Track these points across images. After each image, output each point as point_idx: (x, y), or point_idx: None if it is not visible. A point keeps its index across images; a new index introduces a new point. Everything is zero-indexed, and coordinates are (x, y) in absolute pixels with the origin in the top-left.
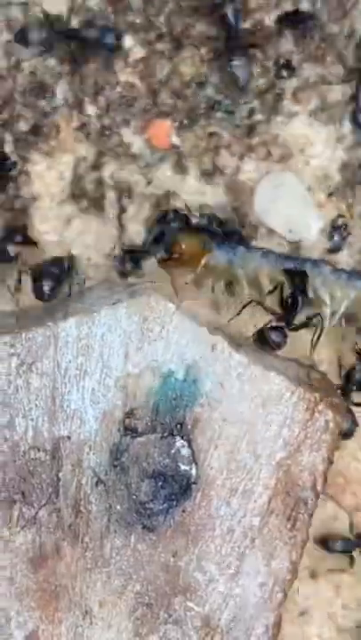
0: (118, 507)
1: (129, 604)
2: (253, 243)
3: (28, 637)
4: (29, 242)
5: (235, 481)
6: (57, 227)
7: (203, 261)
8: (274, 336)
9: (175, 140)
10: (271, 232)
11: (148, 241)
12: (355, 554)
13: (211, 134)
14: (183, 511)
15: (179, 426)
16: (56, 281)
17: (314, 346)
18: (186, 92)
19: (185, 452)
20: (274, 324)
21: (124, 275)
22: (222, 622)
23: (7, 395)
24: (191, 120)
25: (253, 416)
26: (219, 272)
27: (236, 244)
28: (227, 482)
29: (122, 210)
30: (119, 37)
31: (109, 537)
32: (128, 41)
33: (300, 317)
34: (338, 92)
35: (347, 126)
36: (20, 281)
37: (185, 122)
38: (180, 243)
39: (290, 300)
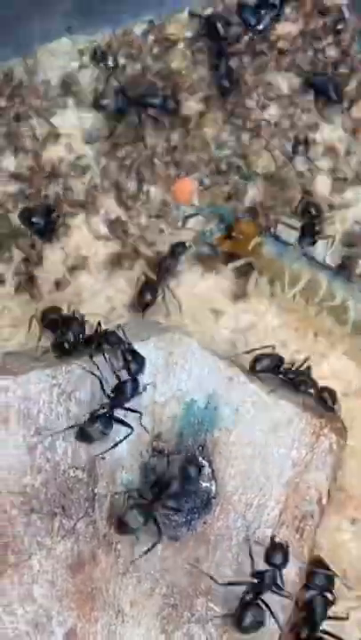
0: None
1: (156, 605)
2: None
3: (67, 634)
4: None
5: (249, 496)
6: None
7: (253, 242)
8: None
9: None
10: None
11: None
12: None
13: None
14: (204, 523)
15: (200, 448)
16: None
17: None
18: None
19: (206, 470)
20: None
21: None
22: None
23: (49, 420)
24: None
25: (266, 439)
26: (265, 264)
27: None
28: (242, 497)
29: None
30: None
31: (139, 546)
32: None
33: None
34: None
35: None
36: None
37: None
38: (240, 223)
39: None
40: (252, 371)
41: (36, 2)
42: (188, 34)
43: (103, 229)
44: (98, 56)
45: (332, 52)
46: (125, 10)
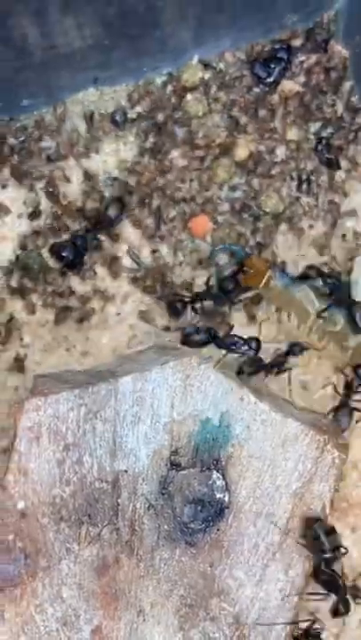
0: (166, 526)
1: (174, 605)
2: None
3: (93, 631)
4: None
5: (259, 506)
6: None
7: (265, 277)
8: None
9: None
10: None
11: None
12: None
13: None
14: (218, 530)
15: (215, 462)
16: None
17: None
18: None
19: (220, 482)
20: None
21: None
22: (249, 620)
23: (77, 437)
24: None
25: (274, 453)
26: (273, 295)
27: None
28: (253, 507)
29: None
30: None
31: (159, 550)
32: (175, 153)
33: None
34: None
35: None
36: None
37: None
38: (251, 258)
39: None
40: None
41: (66, 56)
42: (203, 81)
43: (126, 261)
44: (118, 120)
45: (335, 104)
46: (145, 64)
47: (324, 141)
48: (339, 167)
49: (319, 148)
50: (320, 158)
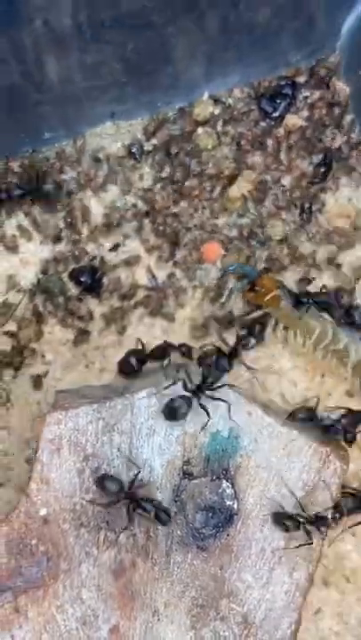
0: (179, 532)
1: (187, 605)
2: None
3: (111, 630)
4: None
5: (266, 513)
6: None
7: (272, 294)
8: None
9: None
10: None
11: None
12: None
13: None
14: (227, 535)
15: (224, 471)
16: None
17: None
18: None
19: (229, 491)
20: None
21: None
22: (257, 619)
23: (95, 448)
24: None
25: (280, 464)
26: (281, 314)
27: None
28: (260, 514)
29: None
30: None
31: (172, 554)
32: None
33: None
34: None
35: None
36: None
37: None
38: (262, 278)
39: None
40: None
41: (84, 91)
42: (213, 116)
43: (143, 280)
44: (135, 153)
45: (336, 138)
46: (158, 99)
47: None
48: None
49: (305, 216)
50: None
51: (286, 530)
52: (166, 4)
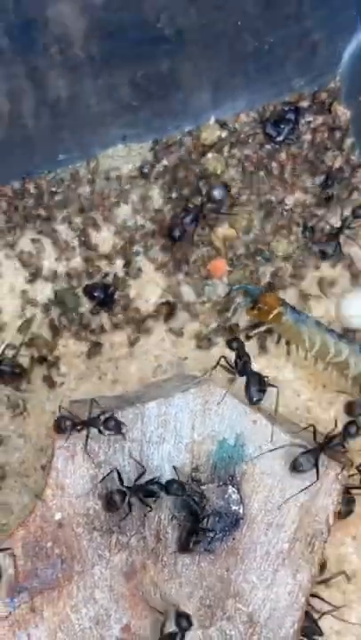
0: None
1: (195, 605)
2: None
3: (123, 629)
4: None
5: (270, 517)
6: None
7: (275, 311)
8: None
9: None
10: None
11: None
12: None
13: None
14: (233, 539)
15: (230, 478)
16: None
17: None
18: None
19: (235, 496)
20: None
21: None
22: (261, 619)
23: (108, 455)
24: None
25: (284, 471)
26: (284, 329)
27: None
28: (265, 518)
29: None
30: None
31: (181, 557)
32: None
33: None
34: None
35: None
36: None
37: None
38: (265, 296)
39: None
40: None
41: (99, 115)
42: (220, 139)
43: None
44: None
45: (337, 160)
46: (168, 123)
47: (309, 229)
48: (328, 256)
49: (307, 234)
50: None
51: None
52: (176, 33)
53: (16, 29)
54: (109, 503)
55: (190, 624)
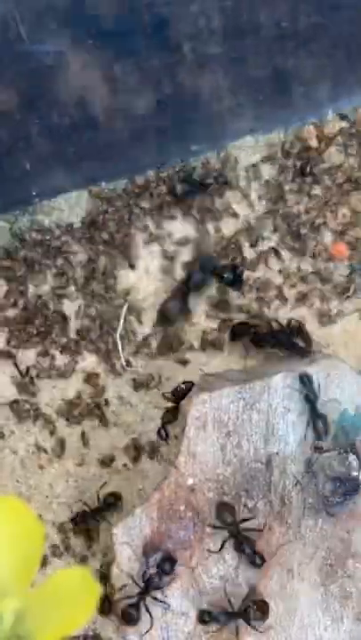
0: (310, 500)
1: (317, 565)
2: None
3: (250, 586)
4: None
5: None
6: None
7: None
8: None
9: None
10: None
11: None
12: None
13: None
14: (354, 503)
15: (351, 446)
16: None
17: None
18: None
19: (355, 463)
20: None
21: None
22: None
23: (237, 425)
24: None
25: None
26: None
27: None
28: None
29: None
30: None
31: (304, 520)
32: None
33: None
34: None
35: None
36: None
37: None
38: None
39: None
40: None
41: (228, 108)
42: (341, 130)
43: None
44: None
45: None
46: (293, 115)
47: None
48: None
49: None
50: None
51: None
52: (298, 33)
53: (150, 27)
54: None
55: (172, 568)
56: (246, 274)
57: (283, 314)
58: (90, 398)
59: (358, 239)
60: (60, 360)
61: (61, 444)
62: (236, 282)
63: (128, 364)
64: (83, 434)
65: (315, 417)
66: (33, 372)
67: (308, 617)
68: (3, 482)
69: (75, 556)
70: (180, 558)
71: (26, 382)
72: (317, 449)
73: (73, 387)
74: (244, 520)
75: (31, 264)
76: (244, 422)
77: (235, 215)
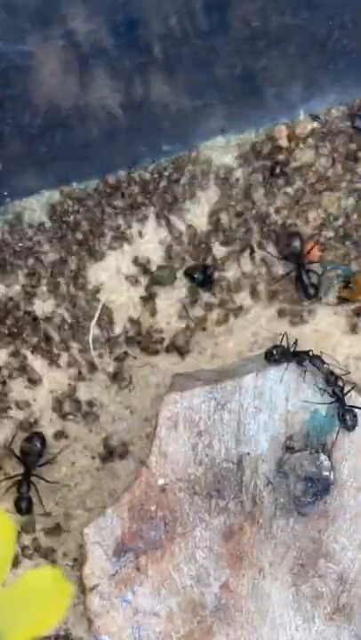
0: (282, 499)
1: (289, 564)
2: None
3: (221, 586)
4: None
5: (359, 482)
6: None
7: None
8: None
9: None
10: None
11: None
12: None
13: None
14: (325, 503)
15: (322, 446)
16: None
17: None
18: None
19: (326, 463)
20: None
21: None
22: (351, 577)
23: (208, 425)
24: None
25: None
26: None
27: None
28: (354, 483)
29: None
30: None
31: (276, 519)
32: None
33: None
34: None
35: None
36: None
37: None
38: (356, 276)
39: None
40: None
41: (198, 108)
42: (313, 131)
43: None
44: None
45: None
46: (265, 115)
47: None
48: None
49: None
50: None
51: None
52: (271, 32)
53: (122, 27)
54: None
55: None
56: (217, 274)
57: (253, 315)
58: (61, 398)
59: (330, 239)
60: (32, 360)
61: None
62: (207, 282)
63: (100, 363)
64: (55, 433)
65: (343, 410)
66: (5, 373)
67: (280, 617)
68: None
69: (45, 557)
70: (152, 558)
71: None
72: (289, 449)
73: (45, 386)
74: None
75: (2, 264)
76: (216, 422)
77: (206, 215)
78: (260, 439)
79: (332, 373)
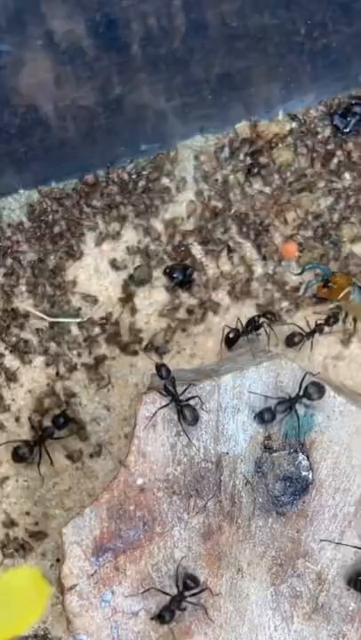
0: (260, 499)
1: (267, 564)
2: None
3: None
4: None
5: (337, 482)
6: None
7: (345, 291)
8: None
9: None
10: None
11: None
12: None
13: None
14: (303, 502)
15: (300, 445)
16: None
17: None
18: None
19: (305, 463)
20: None
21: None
22: (329, 577)
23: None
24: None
25: (350, 439)
26: (351, 307)
27: None
28: (332, 483)
29: None
30: None
31: (254, 519)
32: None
33: None
34: None
35: None
36: None
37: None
38: (336, 276)
39: None
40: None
41: (177, 109)
42: (291, 131)
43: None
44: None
45: None
46: (243, 115)
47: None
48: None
49: None
50: None
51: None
52: (250, 32)
53: (101, 27)
54: None
55: (197, 584)
56: (196, 274)
57: (232, 314)
58: (40, 397)
59: (308, 239)
60: (10, 360)
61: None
62: (186, 282)
63: (78, 363)
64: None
65: (180, 407)
66: None
67: (259, 617)
68: None
69: (24, 557)
70: (130, 558)
71: None
72: (267, 449)
73: (23, 386)
74: None
75: None
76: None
77: (184, 215)
78: (238, 439)
79: (162, 376)
